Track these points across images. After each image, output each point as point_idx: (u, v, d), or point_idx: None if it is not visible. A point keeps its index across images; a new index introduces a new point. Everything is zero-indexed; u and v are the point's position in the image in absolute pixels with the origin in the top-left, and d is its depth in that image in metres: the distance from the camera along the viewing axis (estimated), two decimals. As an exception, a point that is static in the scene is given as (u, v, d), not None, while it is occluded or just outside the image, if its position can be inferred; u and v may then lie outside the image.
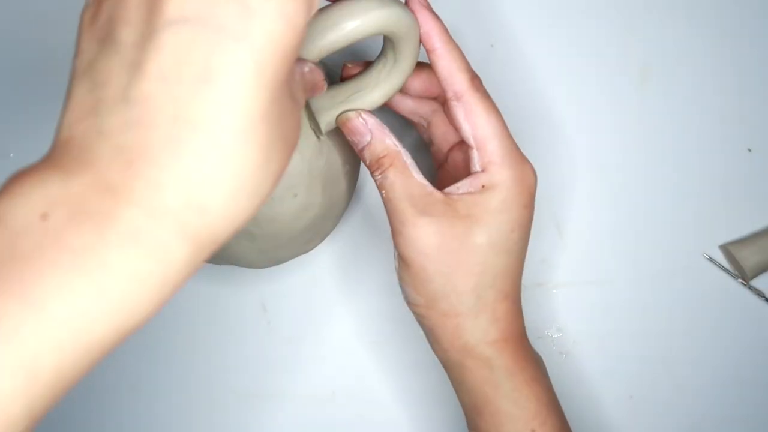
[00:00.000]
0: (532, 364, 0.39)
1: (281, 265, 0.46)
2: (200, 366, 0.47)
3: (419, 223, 0.37)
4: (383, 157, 0.38)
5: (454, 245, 0.37)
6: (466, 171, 0.39)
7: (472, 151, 0.38)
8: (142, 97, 0.24)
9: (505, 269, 0.38)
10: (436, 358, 0.48)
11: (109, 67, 0.25)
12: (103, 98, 0.24)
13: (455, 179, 0.38)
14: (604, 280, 0.47)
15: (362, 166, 0.47)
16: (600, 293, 0.47)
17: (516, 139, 0.49)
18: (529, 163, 0.39)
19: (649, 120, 0.49)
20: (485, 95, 0.39)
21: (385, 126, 0.39)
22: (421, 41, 0.38)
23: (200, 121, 0.23)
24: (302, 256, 0.45)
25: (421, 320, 0.39)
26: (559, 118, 0.49)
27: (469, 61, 0.49)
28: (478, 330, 0.38)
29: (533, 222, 0.48)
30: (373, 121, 0.39)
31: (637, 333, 0.47)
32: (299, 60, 0.31)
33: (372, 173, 0.39)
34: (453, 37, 0.49)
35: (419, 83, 0.41)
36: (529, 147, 0.49)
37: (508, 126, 0.49)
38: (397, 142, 0.39)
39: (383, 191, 0.38)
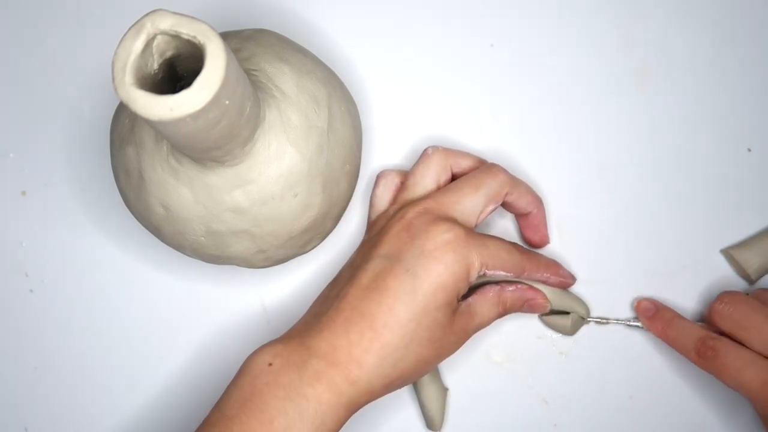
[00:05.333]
0: None
1: (281, 265, 0.46)
2: (200, 366, 0.47)
3: None
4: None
5: None
6: None
7: None
8: (345, 295, 0.39)
9: None
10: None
11: (342, 273, 0.42)
12: (330, 295, 0.41)
13: None
14: (604, 280, 0.47)
15: (362, 166, 0.47)
16: (600, 293, 0.47)
17: (516, 140, 0.49)
18: None
19: (648, 120, 0.49)
20: (714, 357, 0.41)
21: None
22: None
23: (368, 314, 0.38)
24: (302, 256, 0.45)
25: None
26: (558, 117, 0.49)
27: (469, 61, 0.49)
28: None
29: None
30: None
31: (637, 333, 0.47)
32: (503, 283, 0.43)
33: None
34: (452, 39, 0.49)
35: None
36: (529, 147, 0.49)
37: (507, 123, 0.49)
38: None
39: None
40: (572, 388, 0.47)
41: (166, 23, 0.32)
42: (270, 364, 0.37)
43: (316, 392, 0.37)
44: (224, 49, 0.31)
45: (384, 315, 0.38)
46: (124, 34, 0.32)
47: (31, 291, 0.48)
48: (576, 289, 0.47)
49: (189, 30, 0.32)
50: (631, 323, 0.46)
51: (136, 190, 0.41)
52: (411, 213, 0.41)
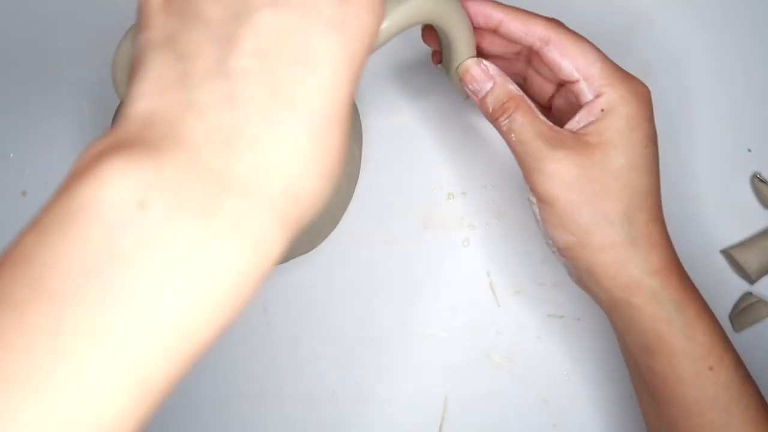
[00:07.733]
0: (697, 293, 0.38)
1: (281, 265, 0.46)
2: (200, 366, 0.47)
3: (556, 156, 0.37)
4: (507, 102, 0.38)
5: (595, 173, 0.36)
6: (574, 111, 0.38)
7: (579, 84, 0.38)
8: (239, 71, 0.22)
9: (649, 189, 0.38)
10: (437, 358, 0.48)
11: (197, 41, 0.23)
12: (191, 71, 0.23)
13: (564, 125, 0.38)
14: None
15: (362, 165, 0.47)
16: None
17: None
18: (637, 78, 0.38)
19: (649, 120, 0.49)
20: (570, 30, 0.39)
21: (504, 73, 0.39)
22: (481, 26, 0.39)
23: (297, 101, 0.23)
24: (302, 256, 0.45)
25: (576, 263, 0.38)
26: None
27: (469, 61, 0.49)
28: (639, 260, 0.37)
29: (530, 227, 0.48)
30: (494, 68, 0.39)
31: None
32: None
33: (496, 120, 0.39)
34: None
35: (498, 44, 0.40)
36: (529, 147, 0.49)
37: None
38: (518, 88, 0.39)
39: (513, 134, 0.38)
40: (572, 388, 0.47)
41: (166, 23, 0.32)
42: (142, 204, 0.20)
43: (231, 256, 0.21)
44: (224, 49, 0.31)
45: (319, 100, 0.24)
46: (124, 34, 0.32)
47: (31, 291, 0.48)
48: (577, 288, 0.47)
49: (189, 30, 0.32)
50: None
51: (136, 190, 0.41)
52: None
